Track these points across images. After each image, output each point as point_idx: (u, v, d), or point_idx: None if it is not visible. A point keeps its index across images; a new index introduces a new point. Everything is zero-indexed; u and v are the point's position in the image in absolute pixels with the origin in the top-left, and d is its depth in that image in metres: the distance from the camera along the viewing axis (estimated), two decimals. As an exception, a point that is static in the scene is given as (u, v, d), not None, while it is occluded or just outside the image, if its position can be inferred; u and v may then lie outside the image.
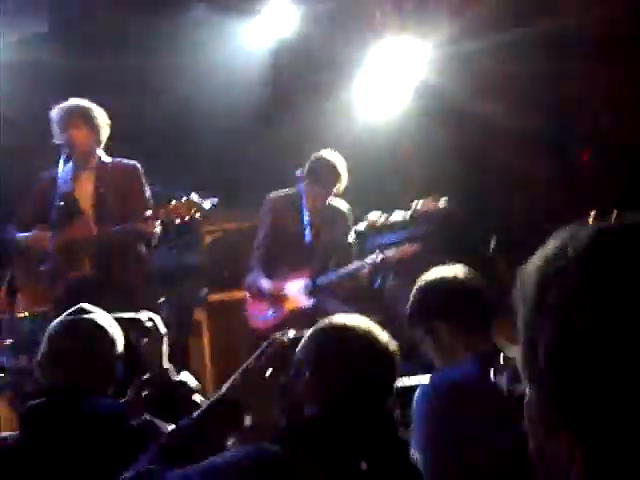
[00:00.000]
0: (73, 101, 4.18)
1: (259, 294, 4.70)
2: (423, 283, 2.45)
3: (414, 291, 2.48)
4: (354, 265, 4.61)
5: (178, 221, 3.98)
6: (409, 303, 2.49)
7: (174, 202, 3.99)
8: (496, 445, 2.13)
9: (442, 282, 2.41)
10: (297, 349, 1.74)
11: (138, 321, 2.28)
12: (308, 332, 1.77)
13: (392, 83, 5.39)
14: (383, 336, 1.73)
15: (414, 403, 2.30)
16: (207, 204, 3.99)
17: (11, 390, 4.69)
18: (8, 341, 5.04)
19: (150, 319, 2.30)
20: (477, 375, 2.25)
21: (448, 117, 5.34)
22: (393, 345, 1.73)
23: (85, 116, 4.13)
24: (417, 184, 5.33)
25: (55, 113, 4.14)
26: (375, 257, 4.54)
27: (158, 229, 4.13)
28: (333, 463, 1.56)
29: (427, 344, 2.43)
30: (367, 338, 1.70)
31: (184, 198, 3.98)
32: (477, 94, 5.01)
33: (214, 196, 4.04)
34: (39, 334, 4.80)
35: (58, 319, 2.17)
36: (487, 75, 5.04)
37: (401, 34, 5.26)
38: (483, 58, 4.94)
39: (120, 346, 2.16)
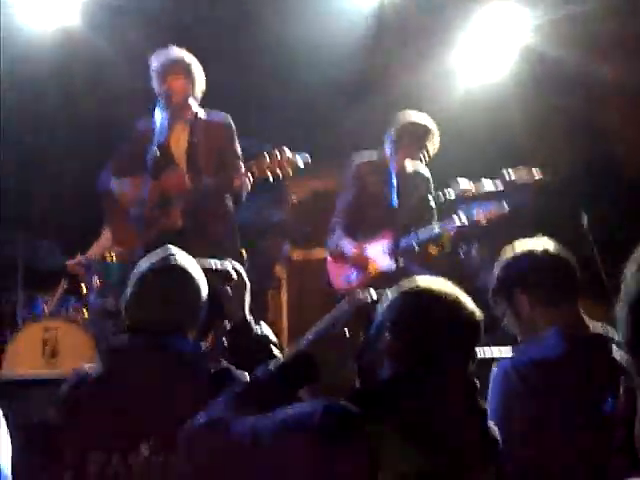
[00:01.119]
0: (174, 51, 4.19)
1: (341, 256, 4.71)
2: (508, 253, 2.40)
3: (499, 260, 2.42)
4: (438, 227, 4.54)
5: (270, 177, 3.99)
6: (493, 272, 2.44)
7: (267, 157, 3.99)
8: (576, 427, 2.08)
9: (526, 252, 2.35)
10: (379, 309, 1.72)
11: (223, 270, 2.31)
12: (391, 292, 1.75)
13: (495, 48, 5.24)
14: (469, 302, 1.70)
15: (492, 378, 2.26)
16: (300, 161, 3.98)
17: (95, 328, 4.87)
18: (97, 281, 5.24)
19: (235, 269, 2.33)
20: (561, 351, 2.19)
21: (554, 83, 5.14)
22: (478, 313, 1.70)
23: (185, 68, 4.15)
24: (516, 153, 5.18)
25: (155, 61, 4.16)
26: (461, 219, 4.45)
27: (249, 184, 4.14)
28: (408, 426, 1.54)
29: (508, 316, 2.38)
30: (453, 303, 1.67)
31: (277, 153, 3.97)
32: (585, 58, 4.80)
33: (306, 153, 4.02)
34: (127, 279, 5.02)
35: (145, 260, 2.22)
36: (595, 38, 4.82)
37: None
38: (590, 21, 4.72)
39: (204, 292, 2.19)
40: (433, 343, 1.62)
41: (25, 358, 4.61)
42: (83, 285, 5.38)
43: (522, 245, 2.39)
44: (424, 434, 1.54)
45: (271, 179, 3.99)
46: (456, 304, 1.67)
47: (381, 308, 1.73)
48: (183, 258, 2.20)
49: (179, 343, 2.10)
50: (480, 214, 4.42)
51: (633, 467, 1.69)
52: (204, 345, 2.25)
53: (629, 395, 1.82)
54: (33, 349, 4.66)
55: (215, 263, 2.32)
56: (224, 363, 2.14)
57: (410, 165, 4.70)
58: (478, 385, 1.71)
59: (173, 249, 2.22)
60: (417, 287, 1.72)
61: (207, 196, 4.13)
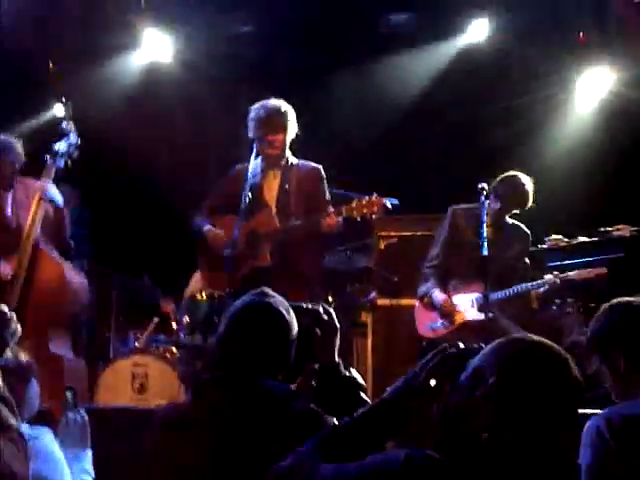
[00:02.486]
0: (274, 105, 4.32)
1: (431, 305, 4.70)
2: (606, 308, 2.33)
3: (596, 315, 2.36)
4: (531, 283, 4.49)
5: (359, 218, 4.04)
6: (590, 328, 2.37)
7: (356, 200, 4.06)
8: None
9: (624, 307, 2.28)
10: (477, 358, 1.69)
11: (315, 312, 2.33)
12: (494, 344, 1.72)
13: (588, 103, 5.20)
14: (574, 364, 1.65)
15: (584, 433, 2.18)
16: (388, 203, 4.03)
17: (184, 366, 4.96)
18: (186, 319, 5.36)
19: (326, 312, 2.35)
20: None
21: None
22: (580, 376, 1.65)
23: (284, 124, 4.30)
24: (606, 213, 5.08)
25: (257, 112, 4.31)
26: (555, 277, 4.39)
27: (339, 227, 4.20)
28: (495, 477, 1.50)
29: (604, 374, 2.30)
30: (564, 362, 1.62)
31: (366, 197, 4.05)
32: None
33: (395, 197, 4.08)
34: (214, 316, 5.12)
35: (240, 299, 2.26)
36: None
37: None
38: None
39: (295, 333, 2.22)
40: (539, 397, 1.57)
41: (114, 392, 4.73)
42: (173, 323, 5.50)
43: (620, 301, 2.32)
44: None
45: (358, 220, 4.04)
46: (566, 363, 1.62)
47: (484, 354, 1.69)
48: (276, 299, 2.24)
49: (268, 384, 2.11)
50: (576, 274, 4.36)
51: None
52: (293, 386, 2.27)
53: None
54: (123, 383, 4.77)
55: (306, 304, 2.35)
56: (312, 406, 2.14)
57: (509, 220, 4.70)
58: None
59: (267, 290, 2.26)
60: (525, 339, 1.68)
61: (295, 235, 4.20)
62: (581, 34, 5.21)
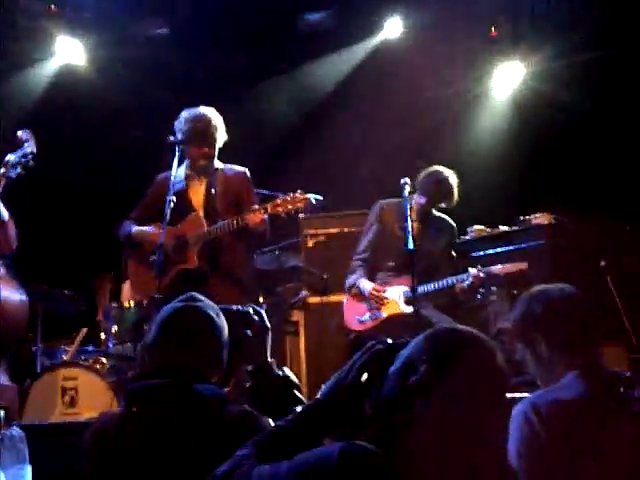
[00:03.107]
0: (206, 115, 4.31)
1: (359, 296, 4.75)
2: (526, 295, 2.40)
3: (517, 303, 2.43)
4: (456, 277, 4.59)
5: (284, 215, 4.06)
6: (512, 315, 2.44)
7: (281, 197, 4.09)
8: (599, 462, 2.07)
9: (544, 295, 2.35)
10: (407, 349, 1.72)
11: (245, 313, 2.33)
12: (424, 334, 1.75)
13: (504, 96, 5.34)
14: (499, 352, 1.69)
15: (511, 420, 2.24)
16: (312, 198, 4.07)
17: (114, 376, 4.88)
18: (114, 329, 5.26)
19: (257, 312, 2.35)
20: (579, 393, 2.18)
21: (562, 131, 5.22)
22: (505, 363, 1.69)
23: (213, 135, 4.30)
24: (525, 200, 5.22)
25: (188, 123, 4.30)
26: (478, 271, 4.51)
27: (265, 223, 4.20)
28: (426, 463, 1.53)
29: (527, 360, 2.37)
30: (488, 350, 1.65)
31: (290, 193, 4.08)
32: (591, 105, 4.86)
33: (319, 194, 4.10)
34: (143, 324, 5.04)
35: (169, 305, 2.24)
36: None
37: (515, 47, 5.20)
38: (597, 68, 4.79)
39: (226, 335, 2.21)
40: (468, 383, 1.60)
41: (44, 407, 4.61)
42: (102, 333, 5.40)
43: (539, 289, 2.39)
44: (442, 471, 1.53)
45: (284, 215, 4.06)
46: (492, 351, 1.66)
47: (415, 344, 1.71)
48: (205, 303, 2.23)
49: (202, 388, 2.10)
50: (499, 269, 4.48)
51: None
52: (227, 389, 2.26)
53: None
54: (52, 398, 4.65)
55: (236, 306, 2.35)
56: (247, 408, 2.14)
57: (435, 212, 4.78)
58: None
59: (196, 295, 2.25)
60: (456, 327, 1.71)
61: (222, 236, 4.20)
62: (493, 29, 5.35)
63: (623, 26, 4.94)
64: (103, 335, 5.38)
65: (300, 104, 5.81)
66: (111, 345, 5.23)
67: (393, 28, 5.79)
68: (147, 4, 5.55)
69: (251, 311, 2.34)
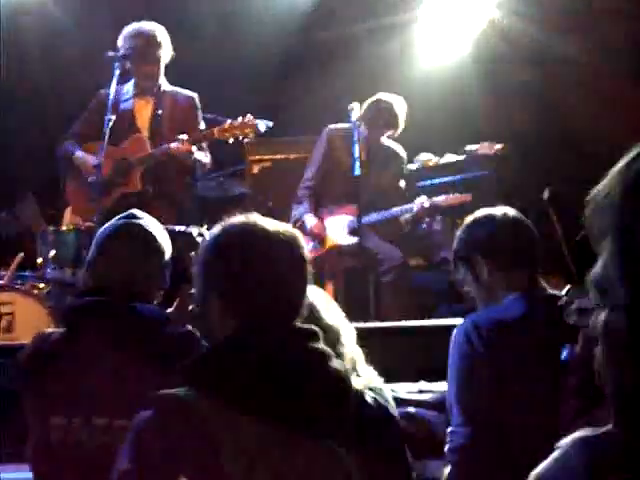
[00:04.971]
0: (151, 31, 4.17)
1: (302, 229, 4.71)
2: (469, 219, 2.41)
3: (460, 228, 2.43)
4: (401, 207, 4.59)
5: (231, 140, 3.98)
6: (455, 240, 2.44)
7: (229, 122, 4.00)
8: (535, 379, 2.12)
9: (486, 218, 2.35)
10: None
11: (188, 234, 2.28)
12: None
13: (458, 24, 5.25)
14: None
15: (452, 338, 2.28)
16: (262, 125, 3.99)
17: (53, 301, 4.78)
18: (52, 253, 5.12)
19: (200, 234, 2.30)
20: (519, 312, 2.22)
21: (518, 61, 5.16)
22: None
23: (157, 52, 4.18)
24: (478, 131, 5.20)
25: (129, 37, 4.15)
26: (423, 201, 4.51)
27: (207, 156, 4.16)
28: (245, 396, 1.39)
29: (468, 282, 2.38)
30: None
31: (239, 118, 3.99)
32: (552, 35, 4.82)
33: (269, 120, 4.02)
34: (83, 249, 4.92)
35: (110, 222, 2.17)
36: (562, 14, 4.84)
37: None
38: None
39: (168, 255, 2.16)
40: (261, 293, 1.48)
41: (-21, 333, 4.50)
42: (39, 258, 5.25)
43: (483, 212, 2.39)
44: (263, 401, 1.39)
45: (231, 141, 3.98)
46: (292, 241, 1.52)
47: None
48: (147, 221, 2.16)
49: (142, 308, 2.06)
50: (443, 200, 4.49)
51: (587, 409, 1.74)
52: (170, 310, 2.22)
53: (587, 342, 1.84)
54: (-13, 324, 4.55)
55: (180, 228, 2.29)
56: (188, 328, 2.11)
57: (384, 141, 4.73)
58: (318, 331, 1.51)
59: (137, 212, 2.18)
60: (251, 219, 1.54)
61: (165, 160, 4.10)
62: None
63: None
64: (40, 260, 5.24)
65: (247, 26, 5.62)
66: (49, 270, 5.10)
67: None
68: None
69: (195, 233, 2.29)
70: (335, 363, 1.47)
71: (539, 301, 2.25)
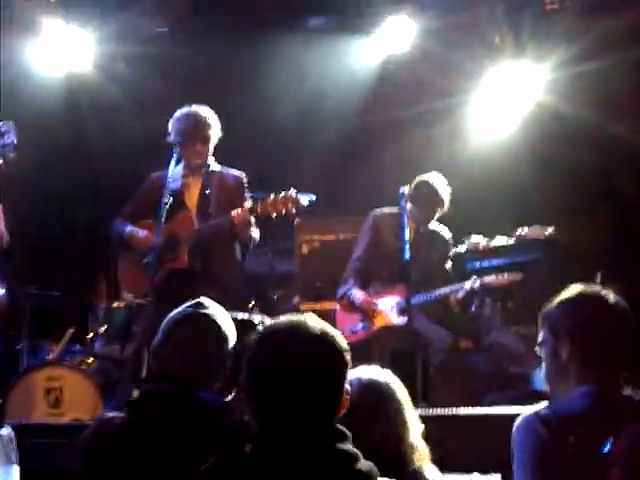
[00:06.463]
0: (200, 113, 4.28)
1: (351, 306, 4.72)
2: (577, 293, 2.16)
3: (565, 296, 2.17)
4: (450, 287, 4.58)
5: (275, 215, 4.00)
6: (552, 304, 2.18)
7: (271, 196, 4.03)
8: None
9: (593, 304, 2.12)
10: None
11: (250, 322, 2.30)
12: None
13: (507, 107, 5.31)
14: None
15: (514, 431, 2.20)
16: (304, 199, 4.00)
17: (100, 377, 4.80)
18: (102, 329, 5.19)
19: (262, 322, 2.31)
20: (583, 411, 2.12)
21: (567, 140, 5.18)
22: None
23: (205, 132, 4.28)
24: (528, 212, 5.20)
25: (178, 120, 4.27)
26: (473, 282, 4.50)
27: (256, 231, 4.20)
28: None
29: (545, 350, 2.17)
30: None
31: (281, 193, 4.01)
32: (599, 115, 4.85)
33: (313, 194, 4.05)
34: (132, 325, 4.97)
35: (176, 310, 2.20)
36: (609, 95, 4.87)
37: (518, 58, 5.18)
38: (604, 78, 4.77)
39: (232, 343, 2.18)
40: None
41: (27, 407, 4.52)
42: (91, 333, 5.32)
43: (593, 294, 2.14)
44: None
45: (275, 216, 4.00)
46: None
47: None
48: (213, 310, 2.19)
49: (204, 394, 2.07)
50: (493, 279, 4.47)
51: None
52: (229, 398, 2.22)
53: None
54: (36, 398, 4.57)
55: (242, 315, 2.31)
56: (246, 419, 2.10)
57: (431, 225, 4.77)
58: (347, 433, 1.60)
59: (204, 301, 2.21)
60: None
61: (211, 236, 4.16)
62: (497, 37, 5.32)
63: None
64: (90, 335, 5.30)
65: (301, 104, 5.75)
66: (98, 345, 5.15)
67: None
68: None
69: (256, 320, 2.31)
70: (361, 465, 1.53)
71: (610, 401, 2.11)
